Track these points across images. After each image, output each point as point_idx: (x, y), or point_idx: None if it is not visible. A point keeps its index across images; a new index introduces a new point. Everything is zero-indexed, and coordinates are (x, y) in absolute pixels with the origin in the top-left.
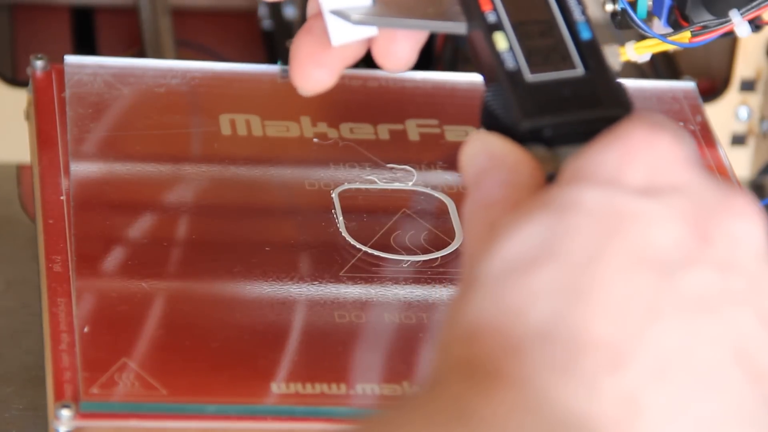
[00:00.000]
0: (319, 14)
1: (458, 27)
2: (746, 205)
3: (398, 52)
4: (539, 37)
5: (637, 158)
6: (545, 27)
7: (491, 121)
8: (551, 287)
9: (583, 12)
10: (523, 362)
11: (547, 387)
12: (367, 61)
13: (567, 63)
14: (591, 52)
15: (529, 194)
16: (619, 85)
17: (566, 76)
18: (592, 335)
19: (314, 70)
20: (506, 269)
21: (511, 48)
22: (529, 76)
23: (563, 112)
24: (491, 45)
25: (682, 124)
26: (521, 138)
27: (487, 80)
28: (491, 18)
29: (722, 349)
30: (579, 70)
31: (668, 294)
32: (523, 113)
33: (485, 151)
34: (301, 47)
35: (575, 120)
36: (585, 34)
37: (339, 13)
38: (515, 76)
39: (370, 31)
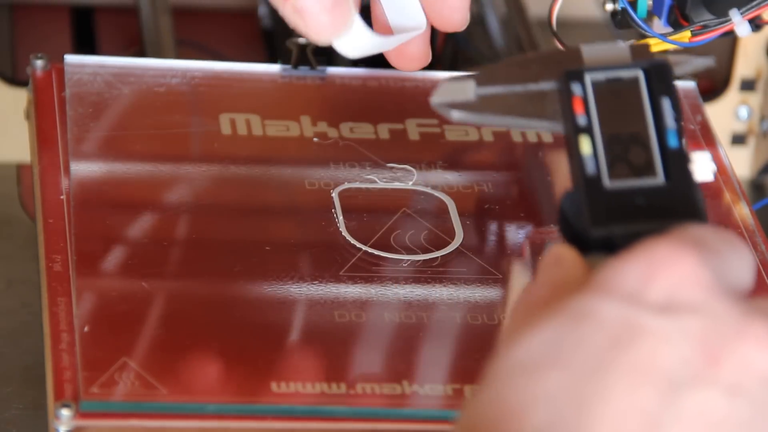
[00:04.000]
0: None
1: (557, 127)
2: (762, 332)
3: (411, 52)
4: (626, 143)
5: (661, 276)
6: (634, 132)
7: (565, 225)
8: (554, 393)
9: (676, 119)
10: None
11: None
12: (370, 61)
13: (649, 171)
14: (676, 161)
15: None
16: (698, 197)
17: (645, 184)
18: None
19: (324, 16)
20: (515, 369)
21: (595, 153)
22: (607, 183)
23: (634, 222)
24: (576, 148)
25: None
26: (591, 244)
27: (572, 183)
28: (581, 121)
29: None
30: (659, 179)
31: (670, 410)
32: (594, 221)
33: (553, 256)
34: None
35: (646, 231)
36: (673, 142)
37: (440, 108)
38: (593, 181)
39: (388, 44)
